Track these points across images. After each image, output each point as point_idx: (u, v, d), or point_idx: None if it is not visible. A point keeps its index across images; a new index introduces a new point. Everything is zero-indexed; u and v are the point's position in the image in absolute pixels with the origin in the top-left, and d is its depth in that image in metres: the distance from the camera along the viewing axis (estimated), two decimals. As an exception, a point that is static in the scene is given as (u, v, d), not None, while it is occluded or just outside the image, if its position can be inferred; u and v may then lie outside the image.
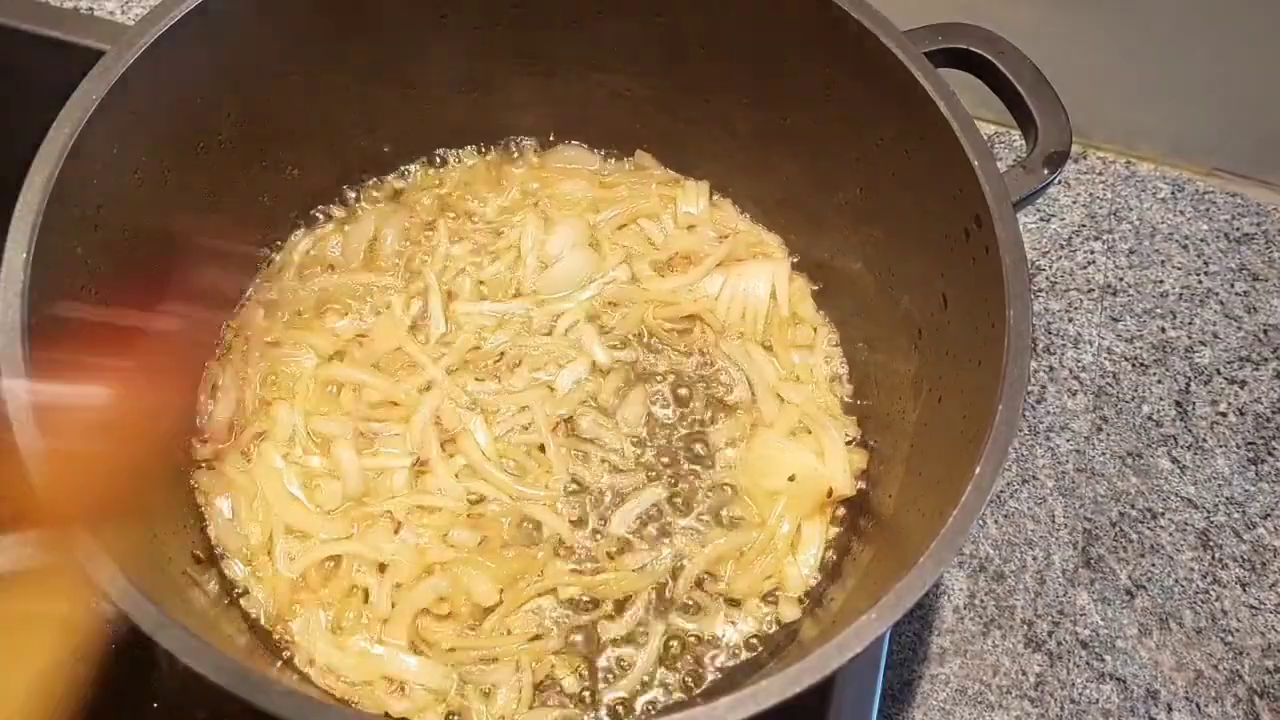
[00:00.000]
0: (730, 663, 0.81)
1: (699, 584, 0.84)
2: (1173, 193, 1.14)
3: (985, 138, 0.71)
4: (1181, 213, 1.13)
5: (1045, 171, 0.73)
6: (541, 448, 0.87)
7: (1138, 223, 1.12)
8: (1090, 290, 1.09)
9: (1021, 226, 0.85)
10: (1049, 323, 1.07)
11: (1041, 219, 1.13)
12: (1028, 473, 1.00)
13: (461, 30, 0.87)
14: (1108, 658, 0.92)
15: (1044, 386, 1.04)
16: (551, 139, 1.01)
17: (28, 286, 0.63)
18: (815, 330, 0.94)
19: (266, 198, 0.91)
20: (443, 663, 0.79)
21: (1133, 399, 1.03)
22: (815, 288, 0.96)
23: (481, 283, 0.94)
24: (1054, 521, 0.98)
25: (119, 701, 0.83)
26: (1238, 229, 1.12)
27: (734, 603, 0.83)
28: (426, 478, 0.85)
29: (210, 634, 0.60)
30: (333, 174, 0.96)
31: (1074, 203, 1.14)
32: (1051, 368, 1.05)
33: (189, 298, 0.84)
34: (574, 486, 0.86)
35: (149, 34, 0.70)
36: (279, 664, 0.78)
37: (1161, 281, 1.09)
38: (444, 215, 0.97)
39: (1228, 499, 0.99)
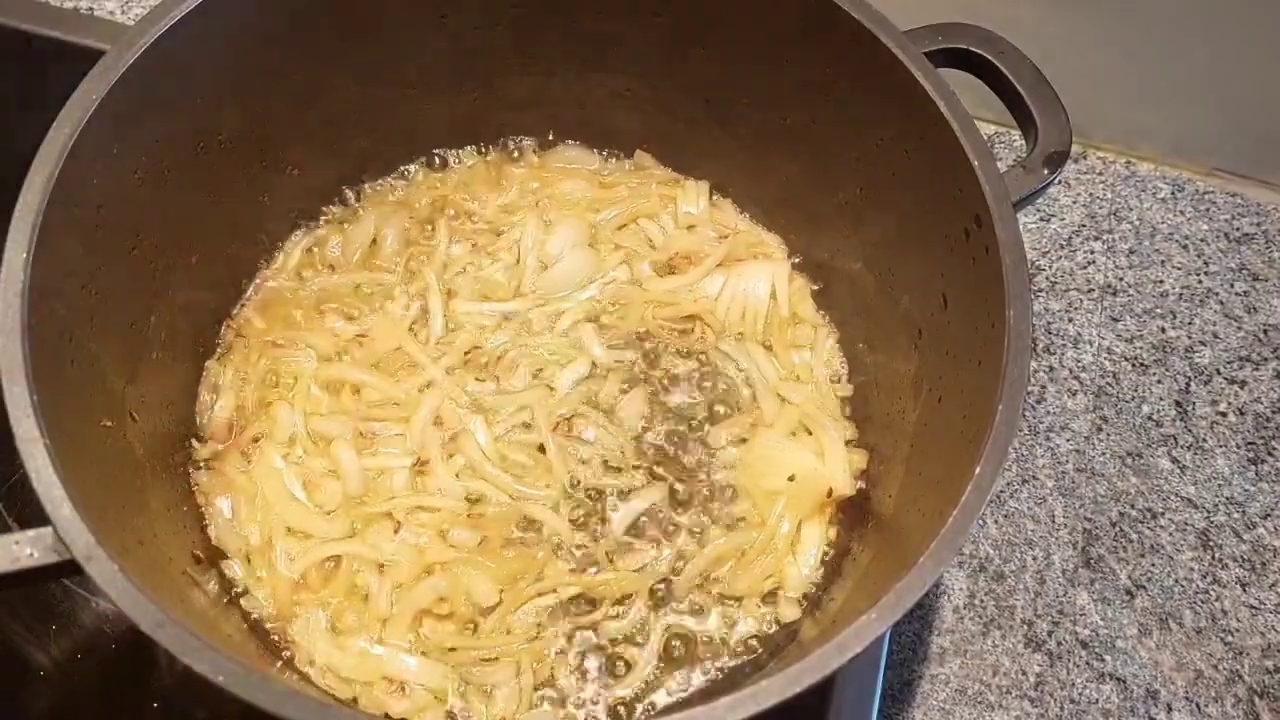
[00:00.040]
0: (730, 663, 0.81)
1: (699, 584, 0.83)
2: (1173, 193, 1.14)
3: (985, 138, 0.71)
4: (1181, 213, 1.13)
5: (1045, 171, 0.73)
6: (541, 448, 0.87)
7: (1138, 223, 1.12)
8: (1090, 290, 1.09)
9: (1021, 226, 0.85)
10: (1049, 323, 1.07)
11: (1041, 219, 1.13)
12: (1028, 473, 1.00)
13: (461, 30, 0.87)
14: (1108, 658, 0.92)
15: (1044, 386, 1.04)
16: (551, 139, 1.01)
17: (28, 286, 0.62)
18: (815, 330, 0.94)
19: (266, 198, 0.91)
20: (443, 663, 0.78)
21: (1133, 399, 1.03)
22: (815, 288, 0.96)
23: (481, 282, 0.94)
24: (1054, 521, 0.97)
25: (119, 701, 0.83)
26: (1238, 229, 1.12)
27: (734, 603, 0.83)
28: (426, 478, 0.85)
29: (210, 634, 0.60)
30: (333, 174, 0.96)
31: (1074, 203, 1.14)
32: (1051, 368, 1.05)
33: (189, 298, 0.85)
34: (574, 486, 0.86)
35: (149, 34, 0.70)
36: (279, 664, 0.78)
37: (1161, 281, 1.09)
38: (444, 215, 0.97)
39: (1228, 499, 0.99)
